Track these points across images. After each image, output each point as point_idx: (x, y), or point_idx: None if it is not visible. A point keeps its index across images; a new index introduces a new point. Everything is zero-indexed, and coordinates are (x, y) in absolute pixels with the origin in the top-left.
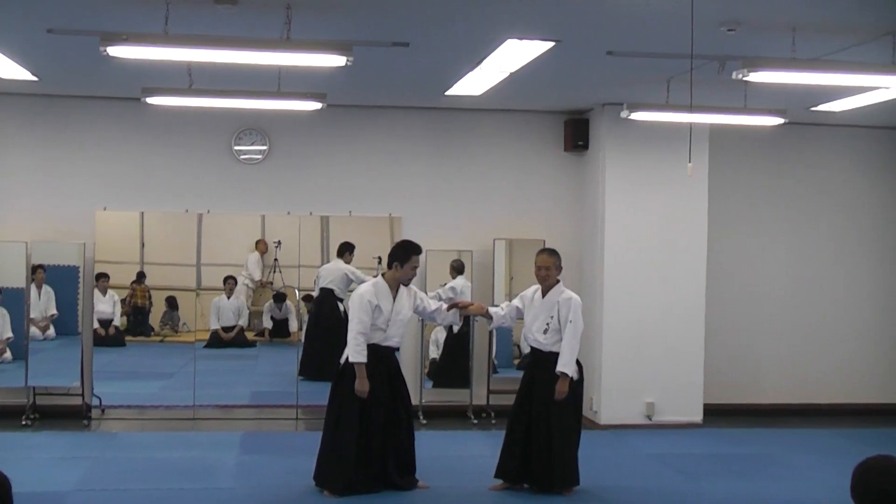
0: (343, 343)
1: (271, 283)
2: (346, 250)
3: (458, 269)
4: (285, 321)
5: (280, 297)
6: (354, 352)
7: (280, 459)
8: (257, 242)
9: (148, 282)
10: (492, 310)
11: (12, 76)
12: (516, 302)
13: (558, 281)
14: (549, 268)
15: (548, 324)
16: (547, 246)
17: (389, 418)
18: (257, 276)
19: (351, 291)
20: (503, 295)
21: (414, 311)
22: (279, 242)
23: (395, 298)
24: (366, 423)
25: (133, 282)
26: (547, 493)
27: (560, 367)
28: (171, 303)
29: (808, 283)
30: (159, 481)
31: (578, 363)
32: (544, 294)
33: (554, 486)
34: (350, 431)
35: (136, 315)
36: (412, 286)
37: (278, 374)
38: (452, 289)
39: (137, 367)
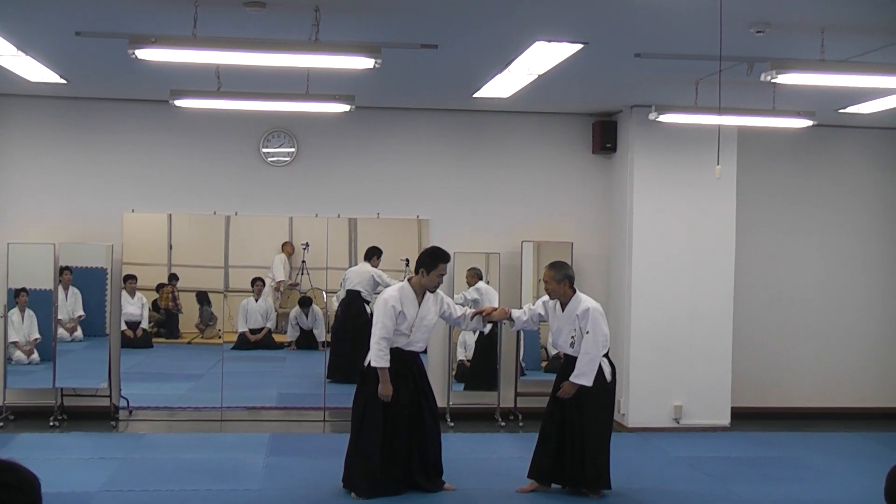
0: (369, 346)
1: (297, 285)
2: (373, 254)
3: (477, 275)
4: (311, 331)
5: (306, 302)
6: (377, 356)
7: (308, 461)
8: (284, 244)
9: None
10: (514, 313)
11: (41, 79)
12: (538, 308)
13: (574, 291)
14: (547, 281)
15: (573, 337)
16: (575, 248)
17: (414, 421)
18: (279, 277)
19: (378, 293)
20: (531, 297)
21: (440, 316)
22: (307, 244)
23: (420, 304)
24: (389, 427)
25: (165, 284)
26: (577, 494)
27: (573, 377)
28: (203, 299)
29: (835, 286)
30: (187, 482)
31: (611, 364)
32: (563, 307)
33: (585, 486)
34: (374, 434)
35: (168, 317)
36: (439, 292)
37: (306, 376)
38: (477, 290)
39: (165, 368)
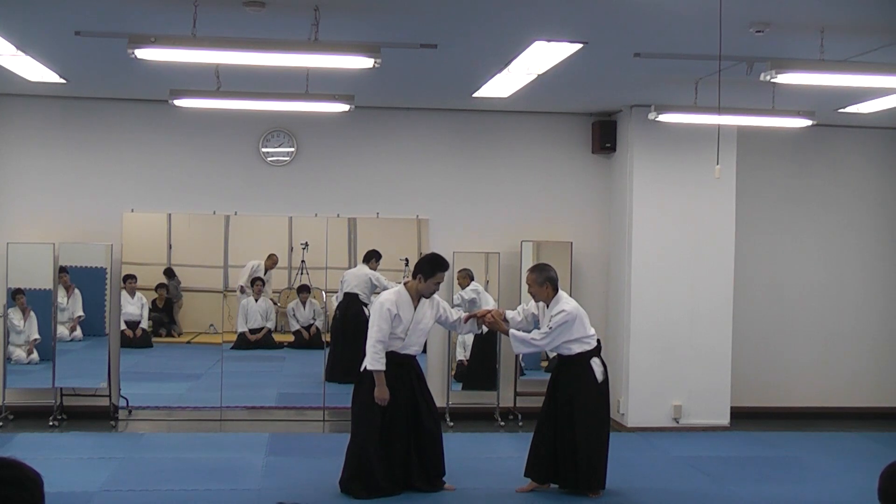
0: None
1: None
2: (372, 257)
3: (469, 276)
4: (310, 327)
5: (304, 289)
6: (373, 360)
7: (307, 461)
8: (269, 256)
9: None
10: (509, 314)
11: (41, 78)
12: (532, 307)
13: (556, 291)
14: (530, 284)
15: None
16: (574, 248)
17: (412, 424)
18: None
19: (377, 294)
20: (530, 297)
21: (436, 321)
22: (306, 244)
23: (416, 308)
24: (386, 430)
25: (163, 284)
26: (574, 494)
27: (512, 331)
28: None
29: (835, 286)
30: (186, 482)
31: (603, 364)
32: (548, 307)
33: (579, 487)
34: (371, 437)
35: (166, 310)
36: (435, 296)
37: (305, 376)
38: (475, 290)
39: (164, 368)
